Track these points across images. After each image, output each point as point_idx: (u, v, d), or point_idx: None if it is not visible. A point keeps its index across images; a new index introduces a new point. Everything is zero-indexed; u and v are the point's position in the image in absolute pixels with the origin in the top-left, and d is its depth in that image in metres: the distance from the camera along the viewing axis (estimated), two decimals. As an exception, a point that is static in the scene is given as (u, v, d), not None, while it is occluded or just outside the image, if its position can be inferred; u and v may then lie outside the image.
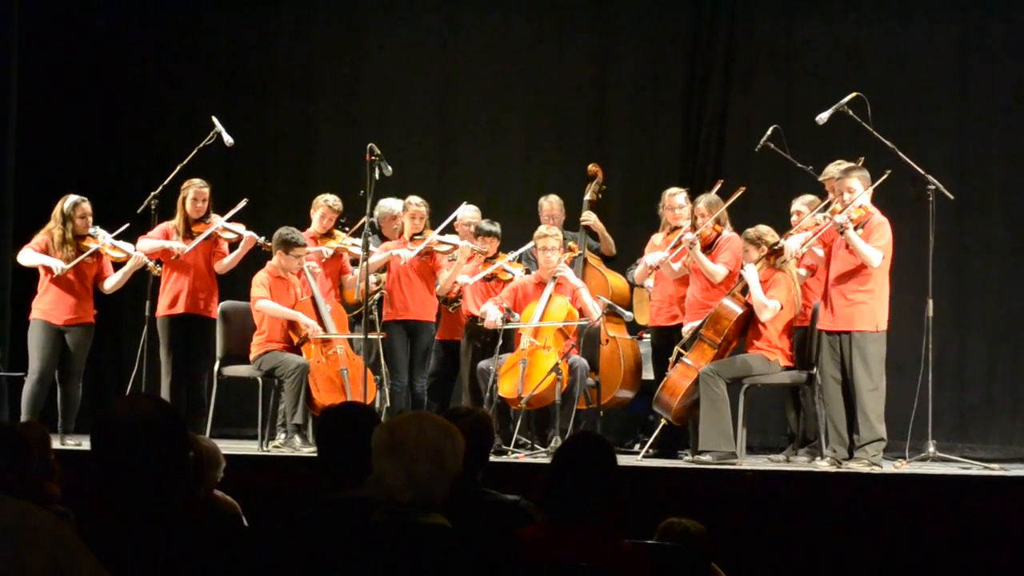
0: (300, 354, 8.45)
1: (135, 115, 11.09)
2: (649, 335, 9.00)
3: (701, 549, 4.57)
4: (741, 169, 9.82)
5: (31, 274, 8.68)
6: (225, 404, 9.01)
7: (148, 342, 8.65)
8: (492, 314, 8.43)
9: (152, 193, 8.79)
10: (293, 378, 8.29)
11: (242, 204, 8.69)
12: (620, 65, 10.80)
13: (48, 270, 8.48)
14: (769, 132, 8.57)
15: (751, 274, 7.94)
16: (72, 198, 8.54)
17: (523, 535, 3.64)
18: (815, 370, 7.89)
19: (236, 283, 9.05)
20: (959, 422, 9.73)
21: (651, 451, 8.42)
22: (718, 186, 8.62)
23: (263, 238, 8.67)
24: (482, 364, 8.49)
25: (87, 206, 8.53)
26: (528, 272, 8.92)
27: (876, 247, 7.60)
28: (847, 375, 7.67)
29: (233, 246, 8.78)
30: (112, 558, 2.79)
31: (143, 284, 8.81)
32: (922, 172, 8.12)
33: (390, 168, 8.26)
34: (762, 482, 7.25)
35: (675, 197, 8.63)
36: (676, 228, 8.53)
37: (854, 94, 8.14)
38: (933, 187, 8.06)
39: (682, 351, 8.19)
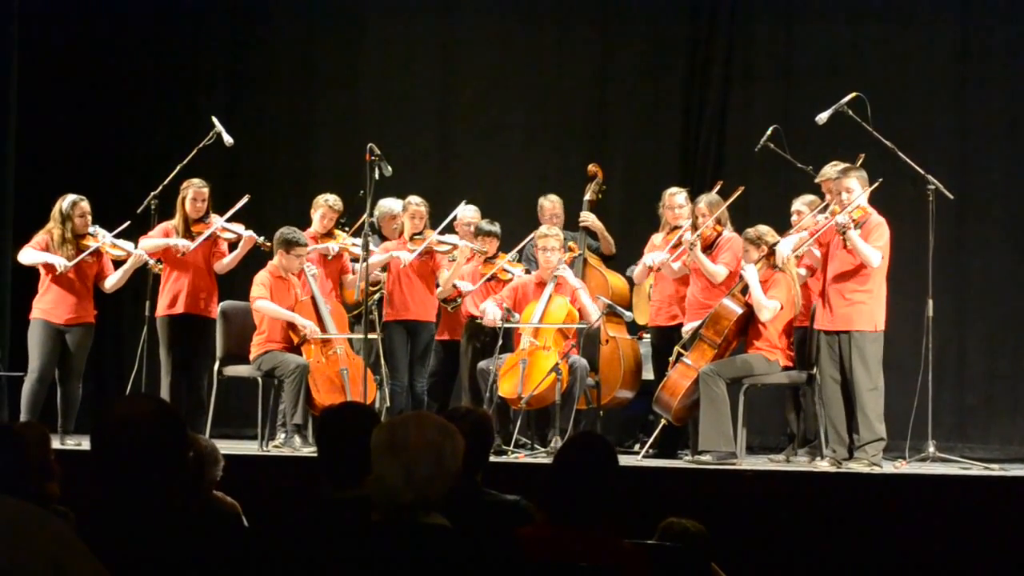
0: (300, 354, 8.45)
1: (135, 115, 11.09)
2: (649, 335, 9.00)
3: (701, 549, 4.57)
4: (741, 169, 9.82)
5: (31, 274, 8.68)
6: (225, 404, 9.01)
7: (148, 342, 8.65)
8: (491, 312, 8.43)
9: (152, 193, 8.78)
10: (293, 378, 8.29)
11: (244, 201, 8.69)
12: (620, 65, 10.80)
13: (49, 269, 8.47)
14: (769, 132, 8.57)
15: (751, 274, 7.94)
16: (70, 197, 8.54)
17: (523, 535, 3.64)
18: (815, 370, 7.88)
19: (236, 283, 9.05)
20: (959, 422, 9.72)
21: (651, 451, 8.42)
22: (718, 187, 8.62)
23: (262, 238, 8.67)
24: (482, 364, 8.49)
25: (86, 205, 8.53)
26: (528, 272, 8.92)
27: (875, 247, 7.61)
28: (846, 375, 7.67)
29: (233, 246, 8.78)
30: (112, 558, 2.79)
31: (143, 284, 8.81)
32: (922, 172, 8.12)
33: (390, 168, 8.26)
34: (762, 482, 7.25)
35: (675, 197, 8.63)
36: (676, 228, 8.53)
37: (854, 94, 8.14)
38: (933, 187, 8.06)
39: (682, 351, 8.19)
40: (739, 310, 8.00)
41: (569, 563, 3.53)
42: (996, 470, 7.80)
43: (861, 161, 7.98)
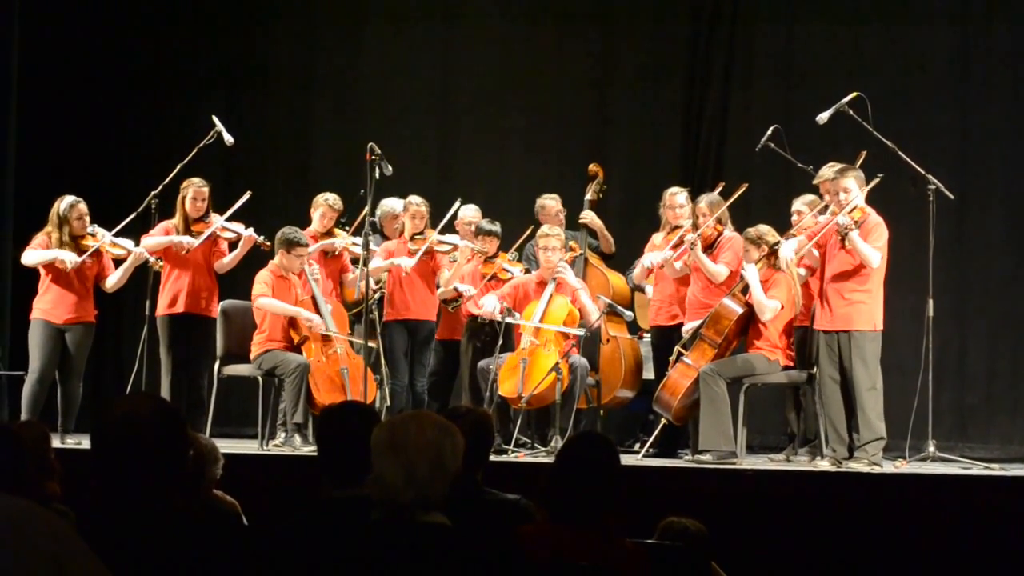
0: (300, 353, 8.45)
1: (135, 115, 11.09)
2: (649, 335, 9.00)
3: (701, 548, 4.57)
4: (741, 169, 9.81)
5: (31, 273, 8.68)
6: (225, 403, 9.01)
7: (148, 341, 8.65)
8: (490, 304, 8.42)
9: (152, 192, 8.78)
10: (293, 377, 8.29)
11: (245, 197, 8.70)
12: (621, 65, 10.80)
13: (49, 269, 8.47)
14: (769, 132, 8.57)
15: (752, 274, 7.94)
16: (68, 199, 8.53)
17: (523, 534, 3.64)
18: (815, 370, 7.88)
19: (236, 282, 9.05)
20: (959, 422, 9.72)
21: (651, 450, 8.42)
22: (719, 188, 8.61)
23: (262, 237, 8.67)
24: (482, 363, 8.49)
25: (83, 207, 8.52)
26: (528, 272, 8.92)
27: (875, 247, 7.61)
28: (846, 375, 7.67)
29: (233, 246, 8.79)
30: (112, 557, 2.79)
31: (144, 283, 8.81)
32: (922, 172, 8.12)
33: (390, 167, 8.26)
34: (762, 482, 7.25)
35: (676, 196, 8.63)
36: (676, 227, 8.53)
37: (854, 94, 8.14)
38: (933, 187, 8.05)
39: (682, 351, 8.19)
40: (739, 310, 8.00)
41: (569, 562, 3.53)
42: (996, 470, 7.80)
43: (863, 158, 7.94)
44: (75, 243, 8.50)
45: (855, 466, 7.50)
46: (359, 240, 8.67)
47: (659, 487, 7.07)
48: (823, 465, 7.66)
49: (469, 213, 9.31)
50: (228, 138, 8.97)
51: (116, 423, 3.00)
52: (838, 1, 10.39)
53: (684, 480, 7.46)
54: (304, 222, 8.97)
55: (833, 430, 7.69)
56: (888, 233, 7.73)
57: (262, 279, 8.54)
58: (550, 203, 9.33)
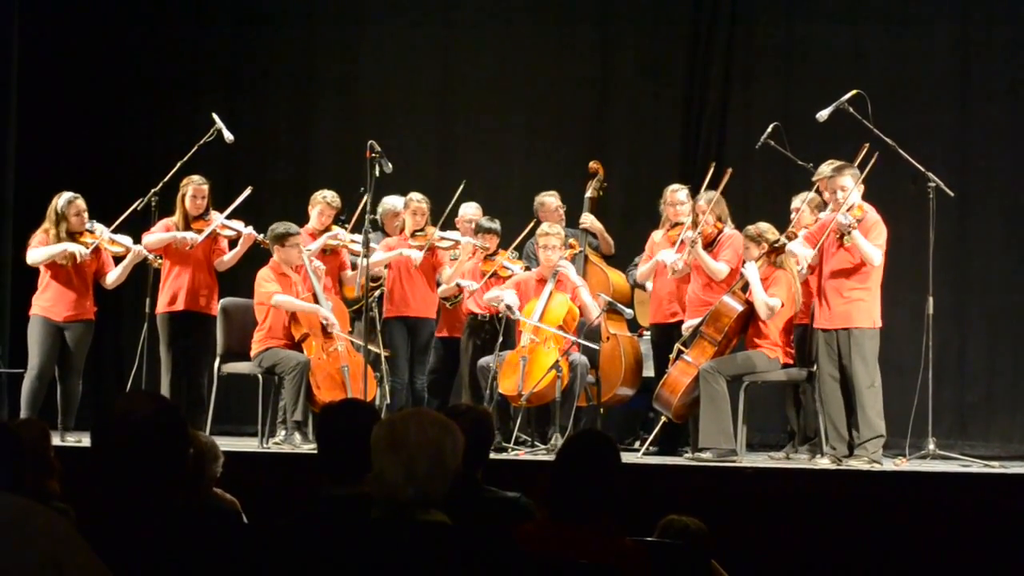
0: (301, 351, 8.45)
1: (135, 114, 11.09)
2: (649, 332, 9.00)
3: (701, 546, 4.57)
4: (741, 166, 9.81)
5: (30, 270, 8.67)
6: (225, 401, 9.01)
7: (148, 339, 8.65)
8: (509, 298, 8.40)
9: (152, 190, 8.78)
10: (294, 375, 8.28)
11: (246, 193, 8.71)
12: (621, 62, 10.80)
13: (49, 265, 8.47)
14: (769, 129, 8.56)
15: (752, 272, 7.94)
16: (66, 195, 8.52)
17: (523, 532, 3.64)
18: (815, 367, 7.88)
19: (237, 280, 9.05)
20: (959, 420, 9.73)
21: (651, 448, 8.42)
22: (711, 169, 8.56)
23: (262, 235, 8.68)
24: (482, 361, 8.50)
25: (81, 203, 8.52)
26: (528, 269, 8.93)
27: (876, 245, 7.61)
28: (845, 372, 7.67)
29: (232, 244, 8.79)
30: (112, 555, 2.78)
31: (143, 281, 8.81)
32: (922, 170, 8.12)
33: (390, 165, 8.26)
34: (762, 479, 7.26)
35: (677, 194, 8.63)
36: (677, 224, 8.53)
37: (854, 91, 8.13)
38: (933, 184, 8.05)
39: (682, 348, 8.18)
40: (739, 307, 8.00)
41: (569, 560, 3.53)
42: (996, 467, 7.80)
43: (865, 151, 7.90)
44: (73, 239, 8.49)
45: (855, 464, 7.50)
46: (358, 237, 8.69)
47: (659, 485, 7.07)
48: (823, 463, 7.66)
49: (470, 211, 9.32)
50: (228, 136, 8.97)
51: (116, 421, 3.00)
52: (838, 0, 10.38)
53: (684, 478, 7.46)
54: (304, 220, 8.97)
55: (833, 428, 7.69)
56: (886, 231, 7.72)
57: (267, 277, 8.53)
58: (550, 200, 9.33)
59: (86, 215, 8.54)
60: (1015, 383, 9.85)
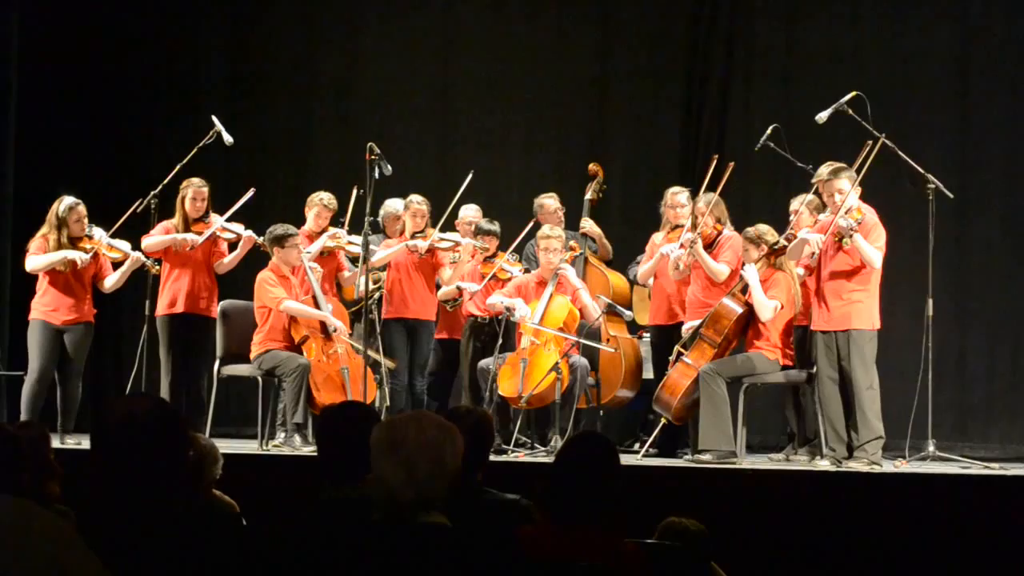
0: (300, 353, 8.45)
1: (135, 115, 11.09)
2: (649, 334, 9.00)
3: (701, 548, 4.57)
4: (741, 168, 9.81)
5: (30, 274, 8.66)
6: (225, 403, 9.01)
7: (148, 342, 8.65)
8: (521, 308, 8.39)
9: (152, 192, 8.78)
10: (294, 377, 8.28)
11: (249, 195, 8.71)
12: (620, 64, 10.81)
13: (47, 272, 8.46)
14: (769, 131, 8.55)
15: (751, 274, 7.94)
16: (67, 200, 8.52)
17: (523, 534, 3.64)
18: (815, 369, 7.88)
19: (236, 282, 9.05)
20: (959, 421, 9.72)
21: (651, 450, 8.42)
22: (714, 162, 8.54)
23: (262, 238, 8.67)
24: (482, 363, 8.50)
25: (82, 208, 8.52)
26: (527, 271, 8.92)
27: (876, 247, 7.60)
28: (844, 374, 7.66)
29: (232, 246, 8.79)
30: (112, 557, 2.79)
31: (143, 284, 8.81)
32: (922, 171, 8.11)
33: (390, 167, 8.26)
34: (762, 481, 7.25)
35: (678, 196, 8.63)
36: (677, 227, 8.53)
37: (854, 93, 8.13)
38: (933, 186, 8.05)
39: (682, 350, 8.19)
40: (739, 309, 8.00)
41: (569, 562, 3.53)
42: (996, 469, 7.79)
43: (867, 150, 7.88)
44: (73, 245, 8.50)
45: (855, 466, 7.49)
46: (355, 239, 8.72)
47: (659, 487, 7.07)
48: (823, 465, 7.65)
49: (470, 213, 9.32)
50: (228, 138, 8.97)
51: (116, 424, 3.00)
52: (838, 1, 10.39)
53: (684, 480, 7.46)
54: (303, 222, 8.97)
55: (832, 430, 7.68)
56: (885, 233, 7.72)
57: (271, 281, 8.51)
58: (549, 202, 9.33)
59: (86, 220, 8.54)
60: (1015, 385, 9.85)
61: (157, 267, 8.63)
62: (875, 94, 8.25)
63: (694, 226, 8.34)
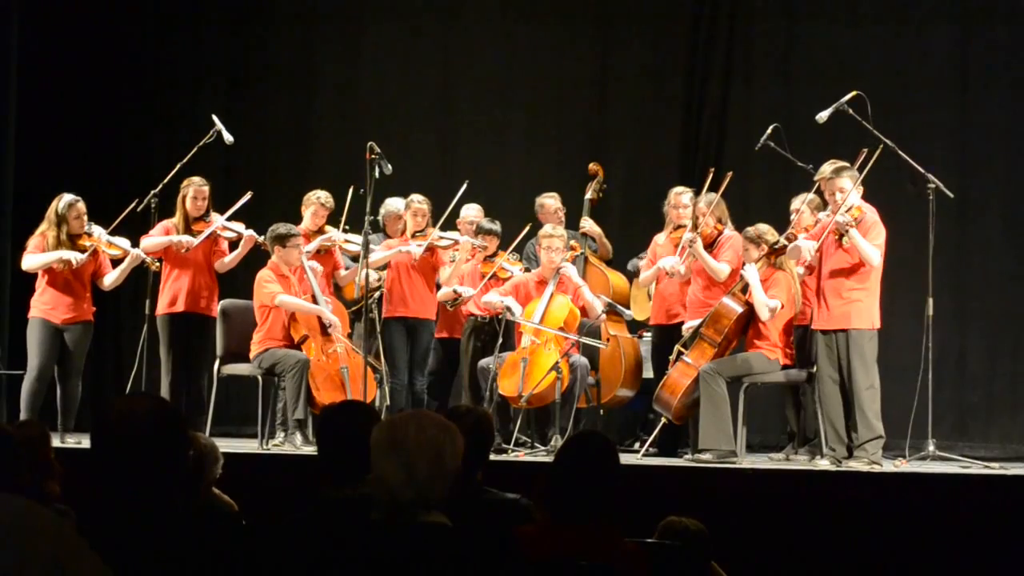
0: (300, 351, 8.44)
1: (135, 115, 11.09)
2: (650, 334, 9.00)
3: (701, 548, 4.57)
4: (741, 168, 9.81)
5: (30, 272, 8.67)
6: (225, 402, 9.01)
7: (148, 340, 8.65)
8: (513, 305, 8.40)
9: (152, 192, 8.78)
10: (294, 373, 8.28)
11: (246, 198, 8.70)
12: (620, 64, 10.80)
13: (47, 269, 8.46)
14: (769, 131, 8.55)
15: (752, 274, 7.94)
16: (66, 198, 8.52)
17: (523, 533, 3.64)
18: (815, 369, 7.88)
19: (236, 282, 9.05)
20: (959, 421, 9.73)
21: (651, 450, 8.42)
22: (710, 175, 8.56)
23: (263, 237, 8.67)
24: (482, 363, 8.50)
25: (82, 206, 8.51)
26: (527, 271, 8.93)
27: (875, 245, 7.60)
28: (844, 374, 7.66)
29: (233, 245, 8.79)
30: (112, 557, 2.78)
31: (143, 282, 8.81)
32: (922, 171, 8.11)
33: (390, 167, 8.26)
34: (762, 481, 7.25)
35: (681, 196, 8.63)
36: (680, 227, 8.53)
37: (854, 93, 8.13)
38: (933, 186, 8.05)
39: (682, 350, 8.19)
40: (739, 309, 8.00)
41: (569, 562, 3.53)
42: (996, 469, 7.79)
43: (863, 156, 7.89)
44: (72, 242, 8.49)
45: (855, 465, 7.49)
46: (351, 237, 8.72)
47: (659, 486, 7.07)
48: (823, 464, 7.66)
49: (471, 213, 9.32)
50: (228, 137, 8.97)
51: (115, 423, 3.00)
52: (838, 1, 10.39)
53: (684, 479, 7.46)
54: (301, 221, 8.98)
55: (832, 429, 7.68)
56: (885, 231, 7.72)
57: (267, 279, 8.51)
58: (549, 202, 9.33)
59: (85, 218, 8.53)
60: (1015, 384, 9.85)
61: (157, 264, 8.63)
62: (875, 94, 8.25)
63: (695, 226, 8.34)
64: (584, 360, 8.33)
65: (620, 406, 9.11)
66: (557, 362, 8.16)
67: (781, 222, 8.33)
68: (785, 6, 10.48)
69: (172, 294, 8.67)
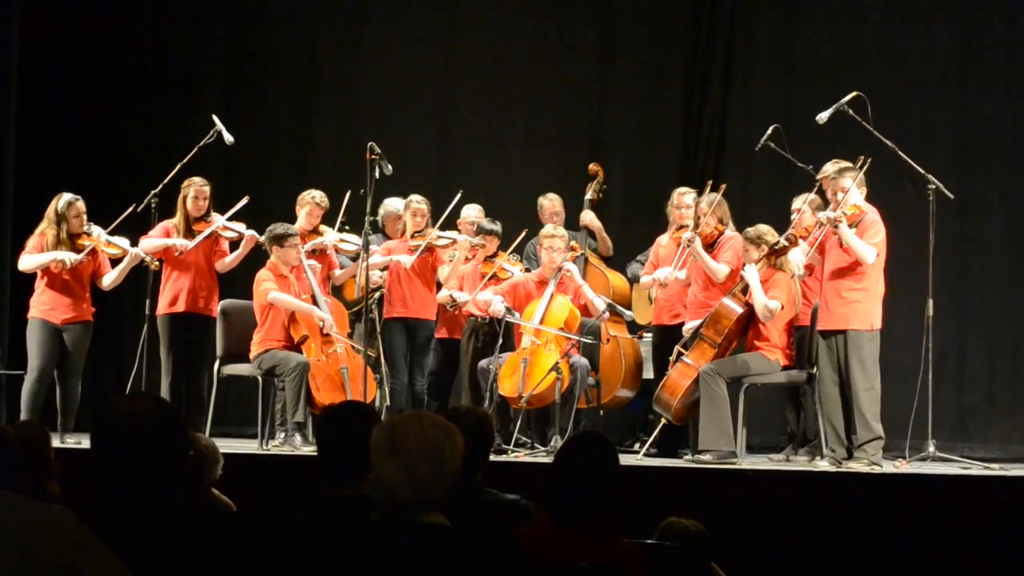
0: (300, 352, 8.44)
1: (135, 115, 11.08)
2: (650, 334, 9.00)
3: (701, 549, 4.57)
4: (741, 168, 9.82)
5: (27, 273, 8.66)
6: (225, 403, 9.00)
7: (148, 341, 8.65)
8: (497, 303, 8.42)
9: (152, 192, 8.78)
10: (294, 375, 8.28)
11: (243, 202, 8.69)
12: (620, 64, 10.80)
13: (45, 269, 8.46)
14: (769, 131, 8.55)
15: (752, 275, 7.94)
16: (66, 197, 8.51)
17: (523, 534, 3.64)
18: (815, 369, 7.88)
19: (237, 282, 9.05)
20: (959, 422, 9.72)
21: (651, 450, 8.42)
22: (708, 186, 8.56)
23: (263, 237, 8.67)
24: (482, 363, 8.50)
25: (81, 205, 8.51)
26: (527, 271, 8.92)
27: (871, 243, 7.59)
28: (843, 375, 7.66)
29: (234, 245, 8.79)
30: (112, 557, 2.78)
31: (143, 282, 8.80)
32: (922, 171, 8.12)
33: (390, 167, 8.26)
34: (762, 482, 7.25)
35: (684, 197, 8.64)
36: (683, 227, 8.53)
37: (854, 93, 8.13)
38: (933, 187, 8.05)
39: (682, 350, 8.19)
40: (739, 310, 8.00)
41: (569, 562, 3.53)
42: (996, 470, 7.79)
43: (861, 163, 7.90)
44: (71, 241, 8.49)
45: (855, 466, 7.49)
46: (348, 237, 8.72)
47: (659, 487, 7.07)
48: (823, 465, 7.65)
49: (472, 213, 9.32)
50: (228, 137, 8.97)
51: (115, 423, 2.99)
52: (838, 1, 10.38)
53: (684, 480, 7.46)
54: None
55: (832, 430, 7.68)
56: (885, 231, 7.71)
57: (264, 277, 8.52)
58: (550, 203, 9.33)
59: (85, 217, 8.53)
60: (1015, 385, 9.85)
61: (157, 264, 8.62)
62: (875, 94, 8.25)
63: (696, 226, 8.34)
64: (584, 361, 8.33)
65: (620, 407, 9.11)
66: (557, 363, 8.16)
67: (781, 222, 8.33)
68: (785, 6, 10.47)
69: (172, 294, 8.67)
